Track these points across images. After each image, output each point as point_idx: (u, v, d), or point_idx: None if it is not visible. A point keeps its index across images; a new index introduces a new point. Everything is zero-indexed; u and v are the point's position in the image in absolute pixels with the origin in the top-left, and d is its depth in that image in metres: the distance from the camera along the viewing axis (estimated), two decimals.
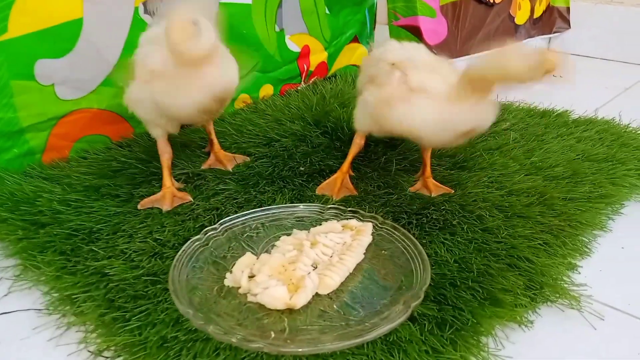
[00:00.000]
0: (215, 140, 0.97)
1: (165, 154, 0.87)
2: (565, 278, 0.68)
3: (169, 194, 0.84)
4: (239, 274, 0.63)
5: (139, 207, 0.83)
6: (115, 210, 0.80)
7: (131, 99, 0.83)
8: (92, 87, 1.01)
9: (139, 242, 0.72)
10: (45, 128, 0.96)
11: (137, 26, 0.99)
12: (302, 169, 0.93)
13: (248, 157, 0.97)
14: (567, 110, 1.18)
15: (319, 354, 0.53)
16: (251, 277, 0.64)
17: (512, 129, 1.07)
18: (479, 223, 0.75)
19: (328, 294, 0.62)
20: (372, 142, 1.01)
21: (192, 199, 0.86)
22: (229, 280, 0.64)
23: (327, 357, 0.54)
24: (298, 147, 1.01)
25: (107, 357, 0.56)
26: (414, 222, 0.76)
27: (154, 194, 0.84)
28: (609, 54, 1.73)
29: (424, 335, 0.56)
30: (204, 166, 0.94)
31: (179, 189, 0.86)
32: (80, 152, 1.01)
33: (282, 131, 1.07)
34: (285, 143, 1.02)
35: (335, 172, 0.91)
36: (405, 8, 1.36)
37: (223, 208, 0.81)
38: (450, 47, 1.43)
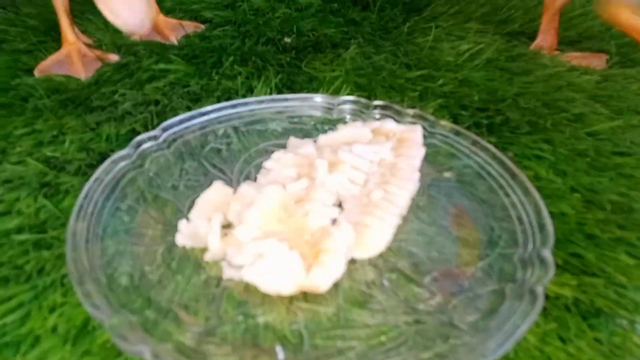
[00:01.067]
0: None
1: None
2: None
3: (74, 53, 0.54)
4: (203, 226, 0.34)
5: (36, 73, 0.53)
6: None
7: None
8: None
9: (16, 162, 0.40)
10: None
11: None
12: (288, 40, 0.61)
13: (201, 25, 0.64)
14: None
15: None
16: (225, 227, 0.35)
17: None
18: (581, 124, 0.48)
19: (369, 259, 0.34)
20: (386, 3, 0.69)
21: (118, 58, 0.55)
22: (184, 236, 0.34)
23: None
24: (276, 9, 0.68)
25: None
26: (484, 122, 0.47)
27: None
28: None
29: (568, 341, 0.29)
30: (134, 37, 0.61)
31: (90, 46, 0.57)
32: None
33: None
34: (256, 3, 0.69)
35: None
36: None
37: (167, 101, 0.49)
38: None
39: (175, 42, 0.59)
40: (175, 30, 0.61)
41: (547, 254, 0.32)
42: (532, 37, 0.62)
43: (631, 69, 0.57)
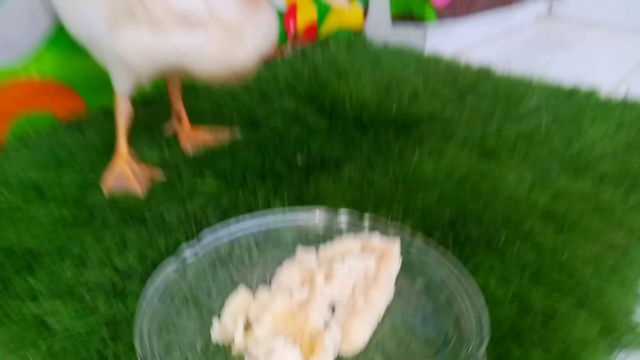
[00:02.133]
0: (184, 114, 0.78)
1: (125, 114, 0.69)
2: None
3: (128, 170, 0.68)
4: (230, 325, 0.46)
5: (105, 191, 0.67)
6: (62, 218, 0.61)
7: (127, 47, 0.61)
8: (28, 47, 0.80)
9: (94, 271, 0.53)
10: None
11: None
12: (300, 160, 0.75)
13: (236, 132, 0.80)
14: (595, 90, 1.01)
15: None
16: (247, 327, 0.47)
17: (541, 109, 0.91)
18: (530, 239, 0.60)
19: (352, 355, 0.46)
20: (382, 125, 0.84)
21: (163, 177, 0.69)
22: (217, 333, 0.47)
23: None
24: (291, 128, 0.83)
25: None
26: (451, 237, 0.60)
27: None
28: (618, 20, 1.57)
29: None
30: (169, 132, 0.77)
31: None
32: (19, 136, 0.80)
33: (271, 109, 0.88)
34: (274, 124, 0.84)
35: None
36: None
37: (202, 215, 0.63)
38: (456, 9, 1.26)
39: (191, 153, 0.75)
40: (193, 142, 0.76)
41: (480, 354, 0.43)
42: (500, 154, 0.76)
43: (578, 183, 0.70)
